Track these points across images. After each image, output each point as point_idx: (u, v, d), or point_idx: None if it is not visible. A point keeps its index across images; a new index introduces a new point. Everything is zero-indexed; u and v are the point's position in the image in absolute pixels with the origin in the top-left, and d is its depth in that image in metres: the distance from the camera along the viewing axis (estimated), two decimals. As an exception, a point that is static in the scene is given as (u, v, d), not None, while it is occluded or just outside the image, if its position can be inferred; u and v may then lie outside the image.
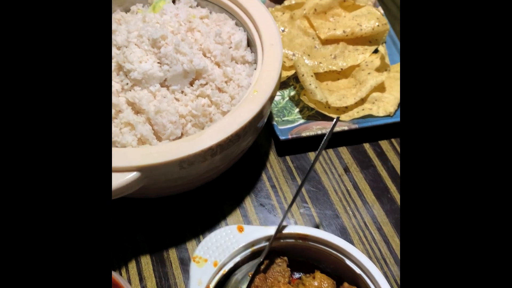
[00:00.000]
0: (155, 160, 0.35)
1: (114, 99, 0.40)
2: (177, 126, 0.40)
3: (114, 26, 0.44)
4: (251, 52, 0.47)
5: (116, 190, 0.34)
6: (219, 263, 0.35)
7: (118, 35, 0.44)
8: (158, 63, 0.42)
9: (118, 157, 0.35)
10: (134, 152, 0.35)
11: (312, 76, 0.50)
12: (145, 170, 0.35)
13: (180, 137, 0.40)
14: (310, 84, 0.50)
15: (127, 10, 0.51)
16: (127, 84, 0.41)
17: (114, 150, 0.36)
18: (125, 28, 0.44)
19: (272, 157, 0.49)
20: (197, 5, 0.51)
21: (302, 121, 0.52)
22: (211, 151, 0.36)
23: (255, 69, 0.45)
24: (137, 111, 0.41)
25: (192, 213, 0.44)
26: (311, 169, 0.34)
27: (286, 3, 0.61)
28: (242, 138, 0.39)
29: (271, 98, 0.40)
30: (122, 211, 0.44)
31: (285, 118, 0.52)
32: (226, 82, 0.44)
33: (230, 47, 0.46)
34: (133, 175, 0.34)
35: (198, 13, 0.48)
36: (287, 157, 0.50)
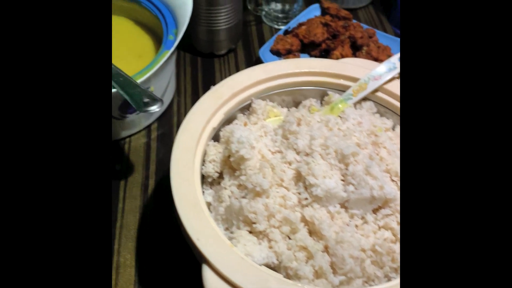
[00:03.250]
0: (345, 316, 0.29)
1: (290, 215, 0.36)
2: (357, 263, 0.34)
3: (294, 126, 0.41)
4: (439, 181, 0.41)
5: None
6: None
7: (300, 138, 0.40)
8: (342, 180, 0.38)
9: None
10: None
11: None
12: (330, 324, 0.29)
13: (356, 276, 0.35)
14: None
15: (298, 103, 0.48)
16: (306, 199, 0.37)
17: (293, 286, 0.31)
18: (307, 131, 0.41)
19: None
20: (376, 112, 0.46)
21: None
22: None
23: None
24: (311, 231, 0.36)
25: None
26: None
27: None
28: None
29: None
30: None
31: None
32: (413, 215, 0.38)
33: (416, 171, 0.41)
34: (315, 327, 0.29)
35: (383, 125, 0.44)
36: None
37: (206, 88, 0.61)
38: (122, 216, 0.47)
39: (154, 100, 0.43)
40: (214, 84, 0.62)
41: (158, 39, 0.59)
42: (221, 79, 0.63)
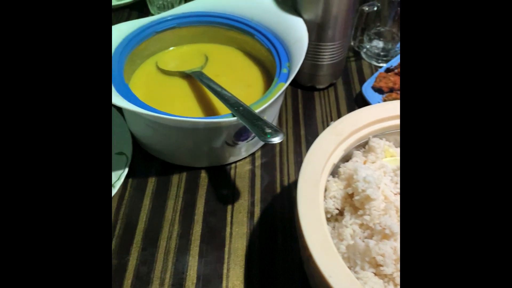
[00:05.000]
0: None
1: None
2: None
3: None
4: None
5: None
6: None
7: (425, 183, 0.39)
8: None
9: None
10: None
11: None
12: None
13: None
14: None
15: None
16: (435, 246, 0.36)
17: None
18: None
19: None
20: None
21: None
22: None
23: None
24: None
25: None
26: None
27: None
28: None
29: None
30: None
31: None
32: None
33: None
34: None
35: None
36: None
37: (306, 120, 0.63)
38: (230, 241, 0.48)
39: (276, 131, 0.44)
40: (315, 116, 0.63)
41: (265, 71, 0.61)
42: (322, 112, 0.64)
